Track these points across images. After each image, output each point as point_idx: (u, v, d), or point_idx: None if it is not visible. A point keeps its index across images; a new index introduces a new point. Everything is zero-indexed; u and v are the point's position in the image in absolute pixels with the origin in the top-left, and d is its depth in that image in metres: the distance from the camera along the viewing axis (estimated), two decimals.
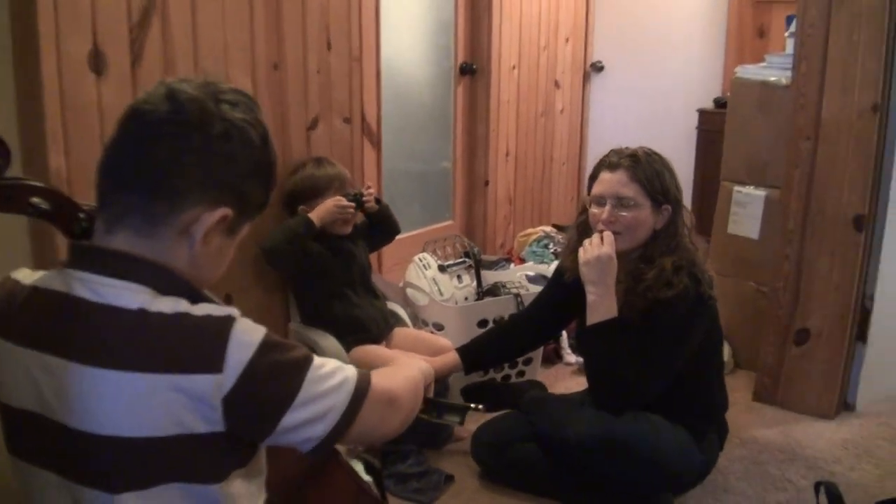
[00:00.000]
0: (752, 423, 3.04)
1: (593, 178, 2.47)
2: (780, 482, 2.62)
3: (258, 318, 1.22)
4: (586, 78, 5.61)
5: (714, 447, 2.50)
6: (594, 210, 2.42)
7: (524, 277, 3.52)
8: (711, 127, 4.94)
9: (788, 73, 3.14)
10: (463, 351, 2.68)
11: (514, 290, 3.29)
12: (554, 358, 3.62)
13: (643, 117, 5.45)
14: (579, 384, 2.94)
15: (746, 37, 5.38)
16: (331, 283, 2.89)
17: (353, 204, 2.87)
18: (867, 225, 2.92)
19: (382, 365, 1.57)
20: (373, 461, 1.97)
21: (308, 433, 1.23)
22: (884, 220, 2.97)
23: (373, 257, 3.15)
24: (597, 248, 2.32)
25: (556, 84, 5.25)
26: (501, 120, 4.69)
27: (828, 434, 2.96)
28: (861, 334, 3.08)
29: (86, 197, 1.33)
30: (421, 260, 3.41)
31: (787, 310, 3.12)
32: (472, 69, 4.51)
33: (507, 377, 3.21)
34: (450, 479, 2.60)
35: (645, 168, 2.37)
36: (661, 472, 2.31)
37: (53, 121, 2.09)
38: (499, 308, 3.17)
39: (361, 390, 1.29)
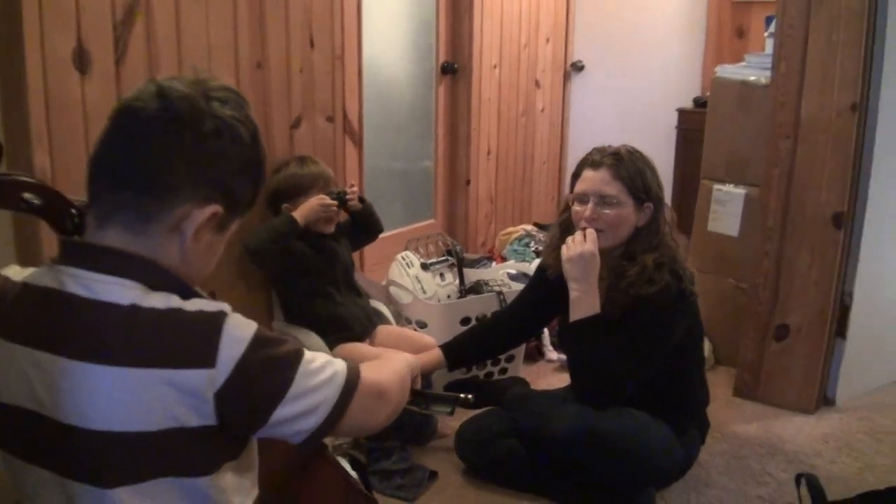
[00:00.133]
0: (732, 418, 3.07)
1: (576, 175, 2.49)
2: (760, 476, 2.64)
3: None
4: (567, 77, 5.63)
5: (695, 442, 2.53)
6: (577, 208, 2.44)
7: (506, 275, 3.54)
8: (691, 126, 4.98)
9: (768, 73, 3.17)
10: (446, 348, 2.69)
11: (497, 288, 3.31)
12: (536, 355, 3.63)
13: (623, 116, 5.48)
14: (561, 381, 2.96)
15: (726, 37, 5.42)
16: (314, 281, 2.89)
17: (336, 202, 2.87)
18: (846, 222, 2.96)
19: (367, 361, 1.58)
20: (359, 457, 1.98)
21: (299, 426, 1.24)
22: (862, 217, 3.00)
23: (354, 256, 3.15)
24: (580, 246, 2.34)
25: (537, 83, 5.27)
26: (483, 119, 4.71)
27: (808, 428, 2.99)
28: (840, 330, 3.12)
29: (72, 194, 1.33)
30: (404, 258, 3.42)
31: (767, 306, 3.15)
32: (453, 68, 4.53)
33: (490, 374, 3.23)
34: (433, 475, 2.61)
35: (627, 166, 2.39)
36: (643, 466, 2.33)
37: (38, 119, 2.09)
38: (481, 306, 3.19)
39: (351, 383, 1.30)
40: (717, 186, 3.53)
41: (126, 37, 2.33)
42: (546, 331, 3.62)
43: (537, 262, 2.99)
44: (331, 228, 2.94)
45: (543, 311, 2.77)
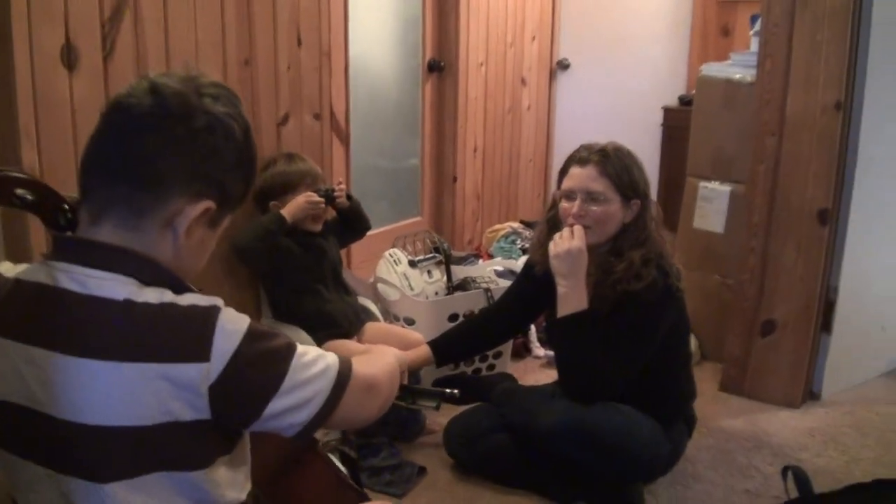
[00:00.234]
0: (719, 412, 3.09)
1: (563, 172, 2.49)
2: (747, 470, 2.67)
3: None
4: (552, 75, 5.64)
5: (682, 436, 2.54)
6: (564, 204, 2.45)
7: (493, 272, 3.55)
8: (676, 124, 5.00)
9: (753, 71, 3.19)
10: (434, 345, 2.70)
11: (484, 285, 3.32)
12: (523, 351, 3.65)
13: (609, 114, 5.49)
14: (548, 377, 2.97)
15: (711, 35, 5.44)
16: (302, 278, 2.89)
17: (324, 200, 2.88)
18: (831, 218, 2.98)
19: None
20: (349, 452, 1.99)
21: (292, 419, 1.24)
22: (847, 213, 3.02)
23: (341, 253, 3.15)
24: (567, 242, 2.35)
25: (523, 81, 5.29)
26: (469, 116, 4.72)
27: (794, 423, 3.01)
28: (826, 325, 3.14)
29: (61, 191, 1.33)
30: (391, 255, 3.42)
31: (753, 302, 3.17)
32: (439, 66, 4.54)
33: (478, 371, 3.24)
34: (422, 471, 2.61)
35: (614, 163, 2.40)
36: (631, 460, 2.34)
37: (26, 115, 2.08)
38: (469, 302, 3.20)
39: (344, 377, 1.31)
40: (702, 183, 3.55)
41: (114, 34, 2.32)
42: (533, 327, 3.64)
43: (524, 259, 3.00)
44: (318, 226, 2.94)
45: (531, 307, 2.78)
